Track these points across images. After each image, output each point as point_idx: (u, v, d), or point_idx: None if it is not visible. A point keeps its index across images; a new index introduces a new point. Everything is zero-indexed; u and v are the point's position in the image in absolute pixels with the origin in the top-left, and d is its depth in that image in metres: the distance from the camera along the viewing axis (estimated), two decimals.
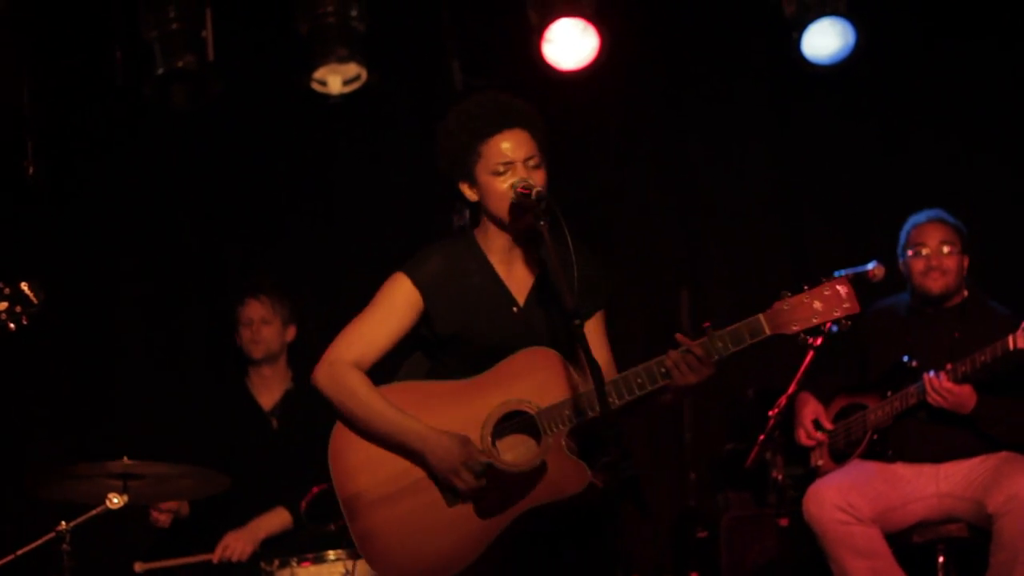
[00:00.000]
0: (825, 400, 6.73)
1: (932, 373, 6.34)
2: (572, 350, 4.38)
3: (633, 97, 8.05)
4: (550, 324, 4.42)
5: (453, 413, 4.33)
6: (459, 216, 4.57)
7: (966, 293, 6.63)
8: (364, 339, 4.45)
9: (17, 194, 7.28)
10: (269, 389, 7.11)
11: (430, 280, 4.43)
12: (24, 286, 5.13)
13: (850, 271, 6.56)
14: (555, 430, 4.25)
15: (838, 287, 4.26)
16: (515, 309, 4.45)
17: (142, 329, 7.85)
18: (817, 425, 6.70)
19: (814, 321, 4.25)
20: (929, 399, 6.36)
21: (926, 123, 7.88)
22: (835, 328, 4.32)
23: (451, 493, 4.31)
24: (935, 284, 6.55)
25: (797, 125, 8.07)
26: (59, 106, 7.40)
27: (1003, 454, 6.38)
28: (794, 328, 4.25)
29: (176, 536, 6.94)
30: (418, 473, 4.34)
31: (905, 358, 6.52)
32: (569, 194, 7.68)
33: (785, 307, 4.24)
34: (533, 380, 4.30)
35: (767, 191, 8.04)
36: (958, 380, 6.31)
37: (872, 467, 6.49)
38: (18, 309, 5.13)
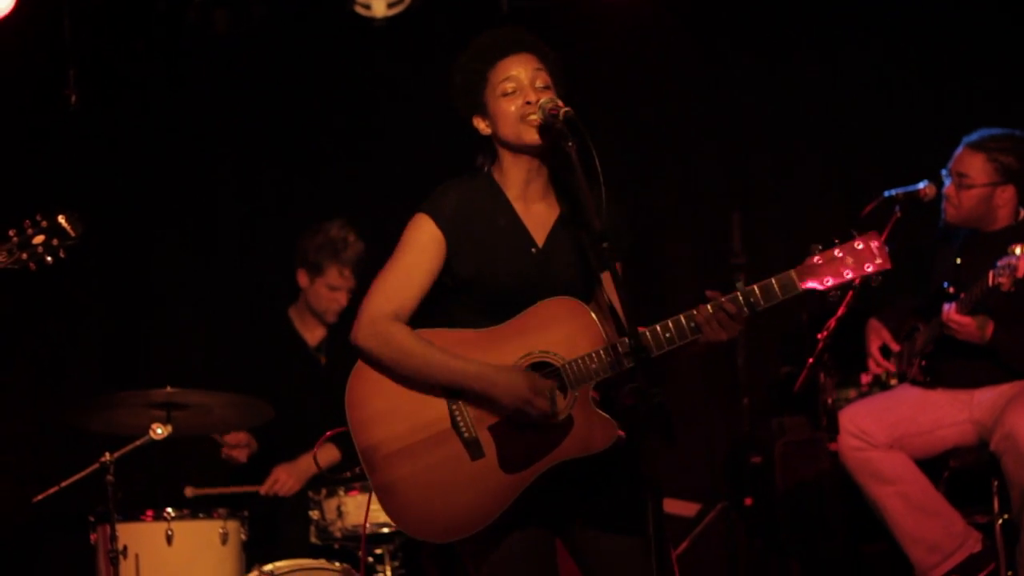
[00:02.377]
0: (897, 323, 6.67)
1: (948, 304, 6.27)
2: (591, 292, 4.29)
3: (679, 24, 7.91)
4: (568, 267, 4.32)
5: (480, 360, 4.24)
6: (484, 158, 4.43)
7: (1022, 215, 6.50)
8: (400, 289, 4.31)
9: (59, 123, 7.24)
10: (312, 326, 7.10)
11: (451, 217, 4.31)
12: (62, 219, 5.12)
13: (900, 190, 6.51)
14: (581, 383, 4.17)
15: (871, 242, 4.17)
16: (533, 250, 4.34)
17: (185, 261, 7.82)
18: (885, 351, 6.65)
19: (847, 276, 4.16)
20: (945, 330, 6.29)
21: (974, 49, 7.68)
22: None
23: (475, 447, 4.22)
24: (945, 214, 6.52)
25: (844, 49, 7.90)
26: (101, 34, 7.34)
27: (1021, 383, 6.32)
28: (828, 283, 4.17)
29: (223, 466, 6.96)
30: (440, 426, 4.24)
31: (945, 284, 6.42)
32: (619, 121, 7.78)
33: (817, 261, 4.16)
34: (559, 331, 4.20)
35: (816, 115, 7.89)
36: (967, 311, 6.21)
37: (906, 392, 6.47)
38: (55, 242, 5.11)
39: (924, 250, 6.71)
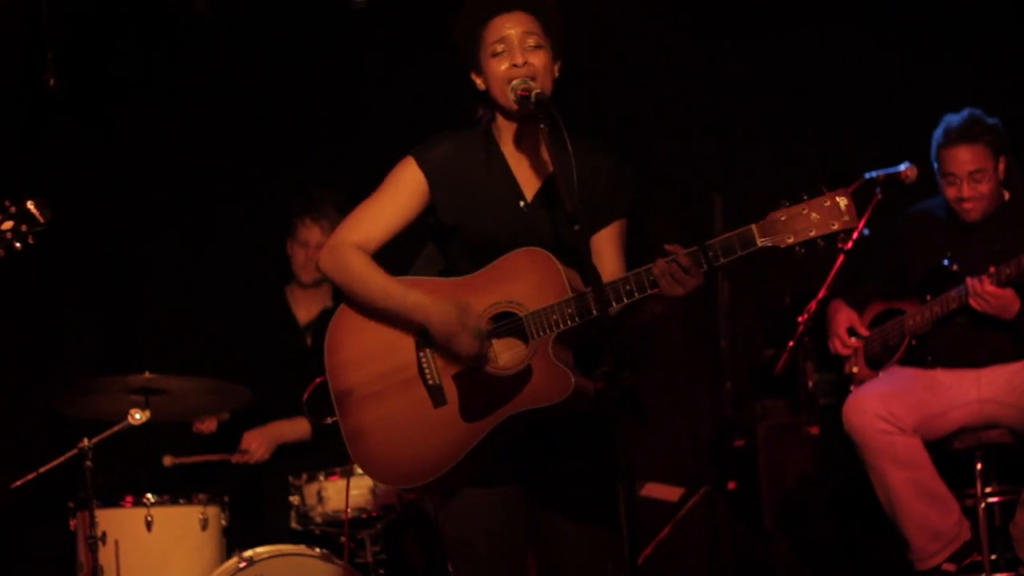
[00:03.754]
0: (859, 307, 6.63)
1: (975, 277, 6.19)
2: (577, 255, 4.24)
3: (664, 5, 7.88)
4: (555, 222, 4.29)
5: None
6: (484, 110, 4.41)
7: (1007, 196, 6.47)
8: (368, 221, 4.36)
9: (38, 107, 7.20)
10: (308, 305, 7.07)
11: (437, 165, 4.33)
12: (30, 205, 5.10)
13: (882, 172, 6.48)
14: (542, 335, 4.13)
15: (838, 199, 4.02)
16: (521, 204, 4.33)
17: (172, 241, 7.77)
18: (851, 332, 6.60)
19: (811, 233, 4.01)
20: (972, 303, 6.22)
21: (953, 31, 7.64)
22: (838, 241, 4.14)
23: (437, 393, 4.22)
24: (968, 215, 6.40)
25: (828, 31, 7.87)
26: (79, 15, 7.30)
27: None
28: (789, 240, 4.02)
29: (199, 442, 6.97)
30: (408, 372, 4.25)
31: (945, 261, 6.39)
32: (601, 103, 7.74)
33: (782, 217, 4.04)
34: (527, 282, 4.17)
35: (799, 97, 7.85)
36: (1002, 283, 6.17)
37: (912, 374, 6.40)
38: (24, 228, 5.10)
39: (884, 235, 6.64)
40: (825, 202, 4.04)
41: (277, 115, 7.83)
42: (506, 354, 4.21)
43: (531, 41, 4.24)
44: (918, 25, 7.68)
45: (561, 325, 4.11)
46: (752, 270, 7.57)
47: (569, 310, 4.10)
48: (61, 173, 7.30)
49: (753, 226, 4.05)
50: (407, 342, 4.29)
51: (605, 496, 4.29)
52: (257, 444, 6.75)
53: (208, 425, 6.82)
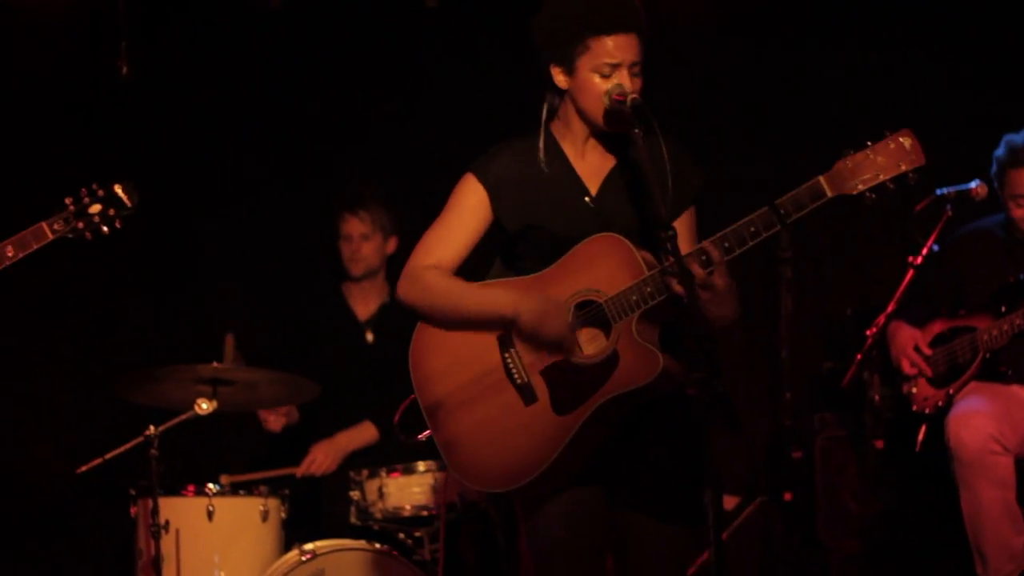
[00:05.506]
0: (919, 325, 6.59)
1: None
2: (649, 240, 4.24)
3: (717, 13, 7.88)
4: (624, 213, 4.29)
5: None
6: (551, 97, 4.39)
7: None
8: (438, 245, 4.37)
9: (111, 94, 7.24)
10: (366, 300, 7.06)
11: (498, 176, 4.33)
12: (118, 188, 5.14)
13: (952, 189, 6.46)
14: (624, 317, 4.12)
15: (901, 139, 4.01)
16: (587, 199, 4.33)
17: (236, 233, 7.78)
18: (916, 351, 6.58)
19: (881, 177, 4.01)
20: None
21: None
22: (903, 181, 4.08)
23: (527, 392, 4.21)
24: None
25: (888, 43, 7.85)
26: (154, 5, 7.34)
27: None
28: (859, 187, 4.02)
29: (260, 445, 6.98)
30: (495, 376, 4.25)
31: (1023, 276, 6.35)
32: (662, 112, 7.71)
33: (847, 165, 4.02)
34: (602, 268, 4.17)
35: (867, 111, 7.80)
36: None
37: (1003, 392, 6.33)
38: (111, 212, 5.14)
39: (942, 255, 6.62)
40: (890, 144, 4.05)
41: (341, 111, 7.85)
42: (591, 343, 4.21)
43: (636, 69, 4.23)
44: (986, 41, 7.66)
45: (642, 304, 4.10)
46: (815, 283, 7.56)
47: (648, 289, 4.09)
48: (127, 160, 7.31)
49: (820, 178, 4.05)
50: (490, 346, 4.29)
51: (689, 497, 4.30)
52: (324, 455, 6.74)
53: (277, 422, 6.79)
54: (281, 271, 7.74)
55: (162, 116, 7.60)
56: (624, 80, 4.19)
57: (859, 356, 6.39)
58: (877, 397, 6.34)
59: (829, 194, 4.04)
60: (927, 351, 6.55)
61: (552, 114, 4.39)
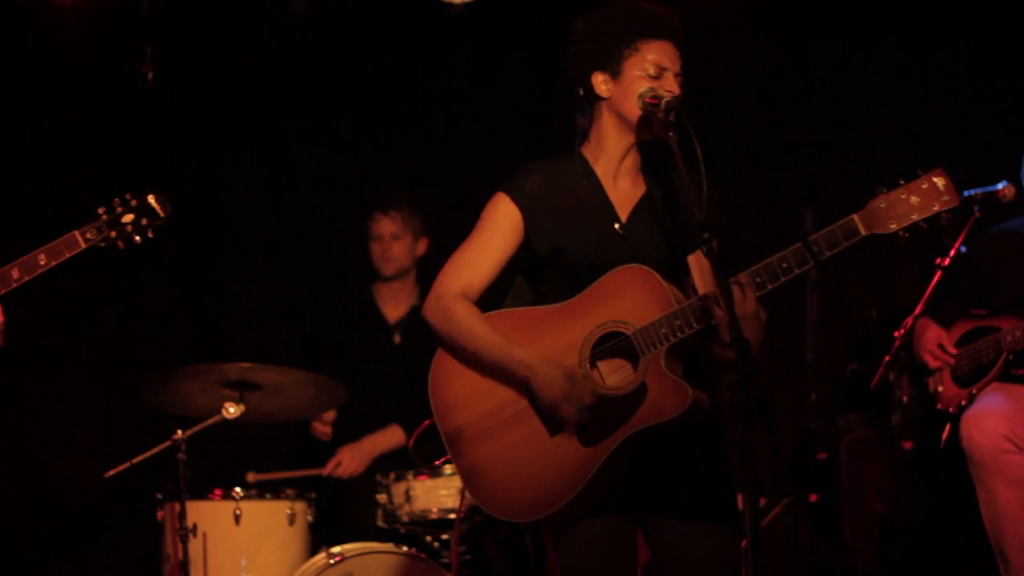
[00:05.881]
0: (945, 324, 6.58)
1: None
2: (675, 272, 4.27)
3: (755, 20, 7.88)
4: (653, 243, 4.29)
5: (552, 338, 4.20)
6: (583, 117, 4.39)
7: None
8: (470, 266, 4.34)
9: (136, 100, 7.26)
10: (396, 302, 7.08)
11: (530, 196, 4.31)
12: (151, 199, 5.15)
13: (980, 190, 6.43)
14: (652, 350, 4.11)
15: (935, 179, 4.04)
16: (616, 226, 4.31)
17: (265, 236, 7.81)
18: (941, 349, 6.57)
19: (913, 217, 4.04)
20: None
21: None
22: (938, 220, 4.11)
23: (552, 422, 4.19)
24: None
25: (919, 48, 7.83)
26: (178, 11, 7.36)
27: None
28: (892, 226, 4.05)
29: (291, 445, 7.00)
30: (519, 404, 4.23)
31: None
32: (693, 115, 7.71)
33: (881, 204, 4.05)
34: (630, 299, 4.15)
35: (892, 113, 7.81)
36: None
37: (1015, 391, 6.33)
38: (144, 221, 5.15)
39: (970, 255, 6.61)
40: (923, 184, 4.07)
41: (370, 115, 7.86)
42: (614, 375, 4.18)
43: (680, 79, 4.26)
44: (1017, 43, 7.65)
45: (671, 338, 4.09)
46: (840, 285, 7.56)
47: (678, 322, 4.09)
48: (151, 165, 7.34)
49: (855, 216, 4.07)
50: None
51: (728, 498, 4.30)
52: (351, 458, 6.76)
53: (327, 430, 6.83)
54: (310, 274, 7.76)
55: (189, 120, 7.62)
56: (672, 86, 4.21)
57: (887, 358, 6.37)
58: (906, 398, 6.33)
59: (863, 232, 4.06)
60: (952, 350, 6.54)
61: (583, 136, 4.39)
